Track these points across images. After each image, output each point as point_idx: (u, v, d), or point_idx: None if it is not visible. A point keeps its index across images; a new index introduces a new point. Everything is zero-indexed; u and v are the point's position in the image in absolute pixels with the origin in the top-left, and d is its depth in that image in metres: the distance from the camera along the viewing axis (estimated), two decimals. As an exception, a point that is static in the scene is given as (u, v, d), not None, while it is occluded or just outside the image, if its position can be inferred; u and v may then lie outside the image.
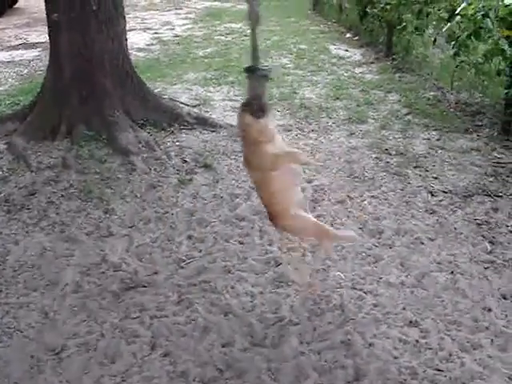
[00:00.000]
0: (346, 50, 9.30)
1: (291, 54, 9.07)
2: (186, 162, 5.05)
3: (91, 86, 5.49)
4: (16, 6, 14.17)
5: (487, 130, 5.69)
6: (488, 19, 5.39)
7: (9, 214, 4.26)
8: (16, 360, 2.88)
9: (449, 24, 5.95)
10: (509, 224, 4.04)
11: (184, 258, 3.69)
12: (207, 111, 6.37)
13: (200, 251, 3.76)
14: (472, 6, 5.52)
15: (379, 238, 3.88)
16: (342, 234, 3.51)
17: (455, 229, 3.99)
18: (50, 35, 5.60)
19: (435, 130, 5.76)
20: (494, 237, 3.88)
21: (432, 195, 4.45)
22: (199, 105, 6.56)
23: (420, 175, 4.78)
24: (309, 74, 7.88)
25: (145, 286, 3.42)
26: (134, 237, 3.95)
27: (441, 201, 4.37)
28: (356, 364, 2.81)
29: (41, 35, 10.12)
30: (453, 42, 6.00)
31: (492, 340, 2.95)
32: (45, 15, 5.59)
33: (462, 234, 3.93)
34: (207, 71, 8.05)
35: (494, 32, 5.49)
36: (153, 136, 5.49)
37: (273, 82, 7.34)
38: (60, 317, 3.18)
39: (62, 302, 3.30)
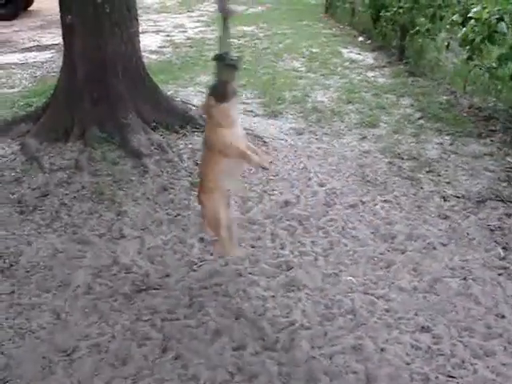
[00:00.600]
0: (359, 54, 9.28)
1: (303, 57, 9.07)
2: (198, 164, 5.05)
3: (104, 88, 5.50)
4: (30, 8, 14.25)
5: (500, 134, 5.65)
6: (503, 23, 5.37)
7: (22, 214, 4.27)
8: (28, 360, 2.89)
9: (464, 29, 5.91)
10: (522, 230, 4.01)
11: (196, 260, 3.69)
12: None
13: (212, 254, 3.76)
14: (486, 10, 5.49)
15: (391, 243, 3.87)
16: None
17: (468, 234, 3.97)
18: (63, 37, 5.61)
19: (448, 134, 5.73)
20: (507, 243, 3.86)
21: (445, 200, 4.43)
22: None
23: (433, 180, 4.76)
24: (321, 77, 7.87)
25: (156, 289, 3.42)
26: (146, 239, 3.95)
27: (453, 206, 4.34)
28: (367, 369, 2.80)
29: (54, 37, 10.18)
30: (467, 47, 5.96)
31: (505, 347, 2.94)
32: (58, 17, 5.61)
33: (474, 239, 3.91)
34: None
35: (509, 36, 5.46)
36: (165, 138, 5.49)
37: (285, 85, 7.36)
38: (72, 318, 3.19)
39: (74, 303, 3.31)
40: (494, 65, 5.95)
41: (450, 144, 5.50)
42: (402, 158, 5.18)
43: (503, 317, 3.15)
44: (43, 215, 4.26)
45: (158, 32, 11.36)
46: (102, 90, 5.50)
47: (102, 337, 3.04)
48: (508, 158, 5.11)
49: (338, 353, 2.91)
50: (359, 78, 7.84)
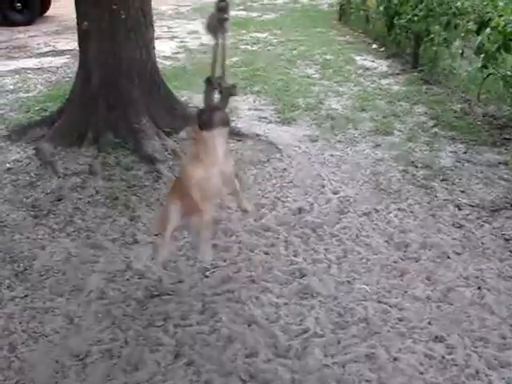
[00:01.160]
0: (373, 61, 9.26)
1: (317, 64, 9.05)
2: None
3: (119, 94, 5.53)
4: (46, 14, 14.35)
5: (515, 143, 5.63)
6: (519, 31, 5.35)
7: (36, 219, 4.29)
8: (41, 364, 2.91)
9: (479, 37, 5.88)
10: (537, 240, 3.98)
11: (209, 267, 3.68)
12: (233, 120, 6.37)
13: (225, 261, 3.76)
14: (502, 18, 5.47)
15: (405, 251, 3.85)
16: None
17: (482, 243, 3.95)
18: (79, 43, 5.65)
19: (462, 142, 5.71)
20: (522, 252, 3.83)
21: (459, 209, 4.41)
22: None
23: (447, 188, 4.74)
24: (335, 84, 7.85)
25: (169, 295, 3.42)
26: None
27: (468, 215, 4.32)
28: (380, 378, 2.79)
29: (70, 42, 10.23)
30: (482, 55, 5.94)
31: (520, 358, 2.91)
32: (74, 23, 5.65)
33: (489, 248, 3.89)
34: (233, 80, 8.04)
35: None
36: (179, 144, 5.50)
37: (299, 92, 7.35)
38: (84, 323, 3.20)
39: (87, 308, 3.32)
40: (508, 73, 5.94)
41: (464, 152, 5.48)
42: (416, 166, 5.16)
43: (518, 327, 3.12)
44: (57, 219, 4.28)
45: (172, 38, 11.40)
46: (117, 96, 5.52)
47: (114, 342, 3.05)
48: (523, 167, 5.09)
49: (350, 361, 2.90)
50: (373, 85, 7.83)
